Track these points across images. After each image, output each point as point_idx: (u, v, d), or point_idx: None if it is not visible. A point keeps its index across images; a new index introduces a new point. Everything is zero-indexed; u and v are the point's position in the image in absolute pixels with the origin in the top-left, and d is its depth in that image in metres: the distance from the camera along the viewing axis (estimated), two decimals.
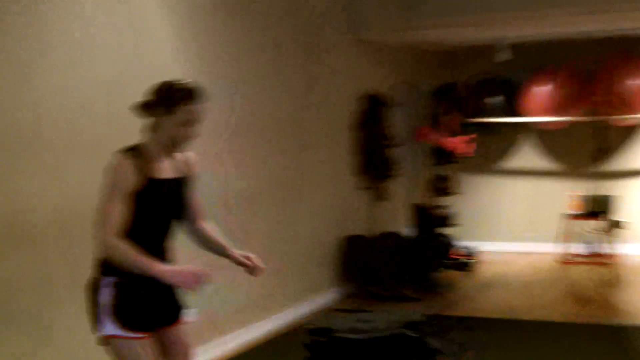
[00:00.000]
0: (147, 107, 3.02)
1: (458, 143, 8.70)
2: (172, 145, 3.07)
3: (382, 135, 7.78)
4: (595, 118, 8.68)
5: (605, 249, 8.67)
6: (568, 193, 8.69)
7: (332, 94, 7.09)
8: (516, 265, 8.63)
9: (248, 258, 3.27)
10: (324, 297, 6.90)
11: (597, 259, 8.65)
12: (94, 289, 3.05)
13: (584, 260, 8.71)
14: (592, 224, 8.73)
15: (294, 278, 6.43)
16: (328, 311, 6.46)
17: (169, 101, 2.96)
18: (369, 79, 7.79)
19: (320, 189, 6.87)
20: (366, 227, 7.69)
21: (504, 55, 8.03)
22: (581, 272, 8.14)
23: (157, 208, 3.13)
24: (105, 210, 2.97)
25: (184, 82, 3.02)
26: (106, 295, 3.02)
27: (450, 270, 8.14)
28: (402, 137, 8.27)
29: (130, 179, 2.98)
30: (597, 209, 8.51)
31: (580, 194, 8.61)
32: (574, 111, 8.65)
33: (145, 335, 3.06)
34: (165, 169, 3.10)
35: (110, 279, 3.01)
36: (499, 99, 8.98)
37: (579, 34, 8.13)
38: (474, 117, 8.96)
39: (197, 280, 2.89)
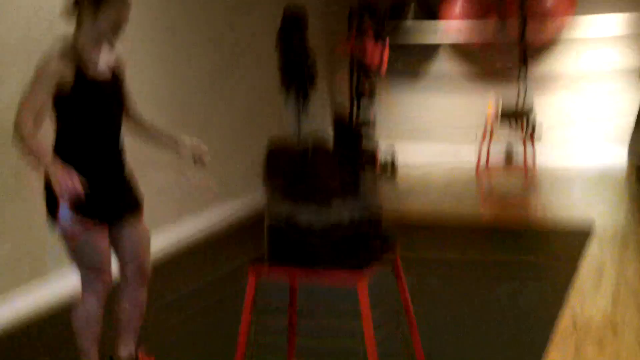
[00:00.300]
0: (76, 4, 3.06)
1: (377, 55, 8.67)
2: (100, 42, 3.11)
3: (303, 49, 7.65)
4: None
5: (522, 155, 8.91)
6: (487, 100, 8.82)
7: (257, 9, 6.92)
8: (436, 171, 8.78)
9: (198, 147, 3.47)
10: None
11: (515, 165, 8.90)
12: (47, 180, 3.01)
13: (501, 166, 8.96)
14: (510, 131, 8.94)
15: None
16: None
17: None
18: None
19: (247, 102, 6.80)
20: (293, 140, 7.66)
21: None
22: (499, 178, 8.35)
23: (101, 108, 3.15)
24: (25, 97, 2.99)
25: None
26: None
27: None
28: (322, 50, 8.18)
29: (59, 72, 2.99)
30: (515, 116, 8.68)
31: (499, 101, 8.74)
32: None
33: (96, 224, 3.11)
34: (99, 68, 3.13)
35: None
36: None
37: None
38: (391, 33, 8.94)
39: (69, 188, 2.85)
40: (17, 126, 2.93)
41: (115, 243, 3.26)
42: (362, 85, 9.18)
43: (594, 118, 8.98)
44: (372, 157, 8.68)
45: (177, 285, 4.91)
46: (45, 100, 2.97)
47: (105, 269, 3.18)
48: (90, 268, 3.14)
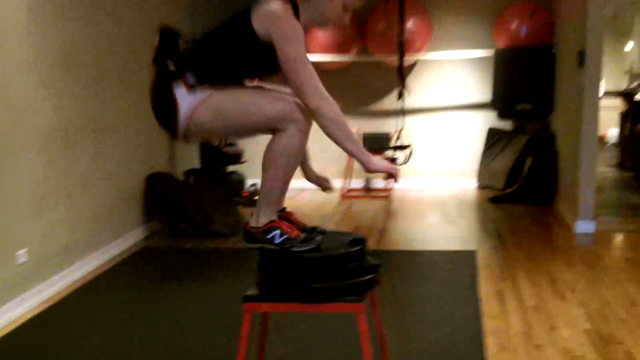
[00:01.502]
0: None
1: None
2: (319, 24, 2.91)
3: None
4: (371, 58, 9.20)
5: (382, 183, 9.34)
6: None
7: (134, 28, 6.81)
8: (304, 199, 8.95)
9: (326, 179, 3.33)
10: (133, 236, 6.78)
11: (375, 193, 9.27)
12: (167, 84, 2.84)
13: (362, 194, 9.29)
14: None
15: (104, 218, 6.25)
16: (144, 248, 6.44)
17: None
18: (165, 11, 7.58)
19: (123, 126, 6.61)
20: (168, 165, 7.61)
21: None
22: (360, 205, 8.63)
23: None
24: (302, 59, 2.71)
25: None
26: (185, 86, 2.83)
27: (245, 207, 8.29)
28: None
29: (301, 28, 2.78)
30: (375, 146, 9.06)
31: (359, 131, 9.09)
32: (349, 51, 9.08)
33: None
34: None
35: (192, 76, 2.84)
36: None
37: None
38: None
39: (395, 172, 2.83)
40: (329, 101, 2.70)
41: None
42: None
43: (447, 147, 9.56)
44: (240, 183, 8.79)
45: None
46: None
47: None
48: (273, 104, 2.83)
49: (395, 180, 2.86)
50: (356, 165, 9.22)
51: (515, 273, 5.56)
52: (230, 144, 8.85)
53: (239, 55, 2.83)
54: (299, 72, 2.70)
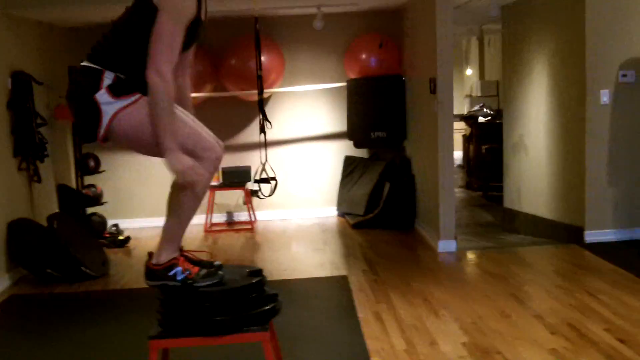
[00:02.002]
0: None
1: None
2: None
3: (32, 114, 7.41)
4: (225, 94, 9.26)
5: (245, 216, 9.38)
6: None
7: None
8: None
9: None
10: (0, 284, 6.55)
11: (238, 226, 9.30)
12: (89, 84, 2.83)
13: (226, 228, 9.30)
14: (230, 194, 9.37)
15: None
16: (11, 297, 6.21)
17: None
18: (17, 55, 7.37)
19: None
20: (28, 209, 7.36)
21: None
22: (224, 239, 8.65)
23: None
24: (169, 33, 2.77)
25: None
26: (105, 85, 2.83)
27: (108, 248, 8.12)
28: (47, 116, 7.94)
29: (193, 7, 2.85)
30: (235, 179, 9.12)
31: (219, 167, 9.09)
32: (203, 87, 9.11)
33: None
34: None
35: (111, 74, 2.83)
36: None
37: (208, 12, 8.54)
38: None
39: (190, 174, 2.84)
40: (164, 82, 2.75)
41: None
42: (87, 158, 9.06)
43: (306, 177, 9.73)
44: (101, 224, 8.63)
45: None
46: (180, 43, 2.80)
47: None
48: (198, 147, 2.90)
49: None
50: (217, 199, 9.26)
51: (389, 295, 5.74)
52: (90, 186, 8.66)
53: (149, 33, 2.85)
54: (159, 44, 2.78)
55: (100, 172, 8.92)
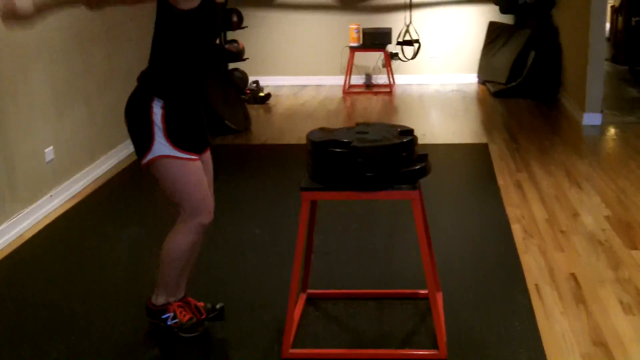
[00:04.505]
0: None
1: None
2: None
3: None
4: None
5: (383, 79, 9.37)
6: (348, 26, 9.10)
7: None
8: (307, 96, 8.99)
9: None
10: None
11: (376, 89, 9.30)
12: (143, 109, 2.92)
13: (364, 90, 9.32)
14: (370, 55, 9.34)
15: (120, 117, 6.17)
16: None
17: None
18: None
19: (132, 29, 6.53)
20: None
21: None
22: (362, 101, 8.68)
23: (211, 33, 3.05)
24: None
25: None
26: (159, 116, 2.90)
27: (249, 104, 8.32)
28: None
29: None
30: (375, 41, 9.05)
31: (358, 27, 9.06)
32: None
33: (196, 157, 3.03)
34: None
35: (160, 101, 2.90)
36: None
37: None
38: None
39: None
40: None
41: None
42: (229, 14, 9.21)
43: (449, 42, 9.55)
44: (243, 80, 8.78)
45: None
46: None
47: (210, 200, 3.12)
48: (199, 200, 3.03)
49: None
50: (357, 61, 9.24)
51: (530, 164, 5.69)
52: (232, 42, 8.79)
53: (180, 36, 2.88)
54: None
55: (243, 28, 9.02)
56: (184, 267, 3.14)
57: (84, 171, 5.53)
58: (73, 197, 5.25)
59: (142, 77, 3.01)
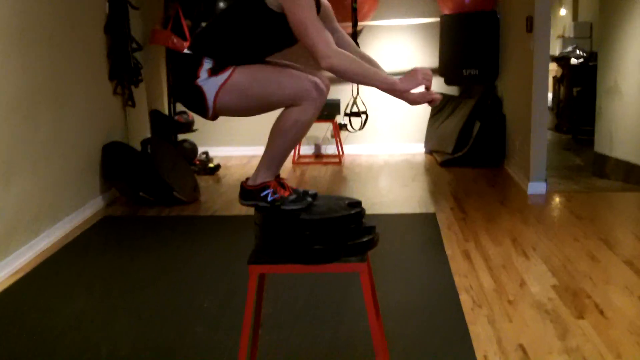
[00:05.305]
0: None
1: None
2: None
3: (128, 38, 7.54)
4: None
5: (332, 149, 9.45)
6: None
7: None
8: (255, 167, 8.96)
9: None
10: (93, 205, 6.77)
11: (325, 159, 9.37)
12: (192, 68, 2.86)
13: (314, 160, 9.38)
14: (319, 126, 9.42)
15: (66, 187, 6.24)
16: (104, 218, 6.44)
17: None
18: None
19: (80, 94, 6.55)
20: (122, 133, 7.56)
21: None
22: (312, 171, 8.73)
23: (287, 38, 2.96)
24: (308, 20, 2.73)
25: None
26: (205, 72, 2.86)
27: (198, 175, 8.30)
28: (141, 41, 8.07)
29: None
30: (324, 112, 9.14)
31: None
32: None
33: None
34: None
35: (210, 61, 2.86)
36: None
37: None
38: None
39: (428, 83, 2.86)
40: (339, 56, 2.74)
41: None
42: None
43: (395, 112, 9.69)
44: (192, 151, 8.80)
45: None
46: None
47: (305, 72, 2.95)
48: (293, 81, 2.88)
49: (432, 103, 2.90)
50: None
51: (477, 233, 5.75)
52: (182, 113, 8.83)
53: (255, 31, 2.86)
54: (309, 34, 2.74)
55: None
56: (293, 146, 3.04)
57: (27, 245, 5.44)
58: (15, 272, 5.15)
59: (197, 38, 2.94)
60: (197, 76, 2.88)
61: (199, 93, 2.87)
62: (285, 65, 3.02)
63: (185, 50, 2.93)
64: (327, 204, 3.15)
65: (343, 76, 2.80)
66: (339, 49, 2.79)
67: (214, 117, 3.01)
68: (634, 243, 5.45)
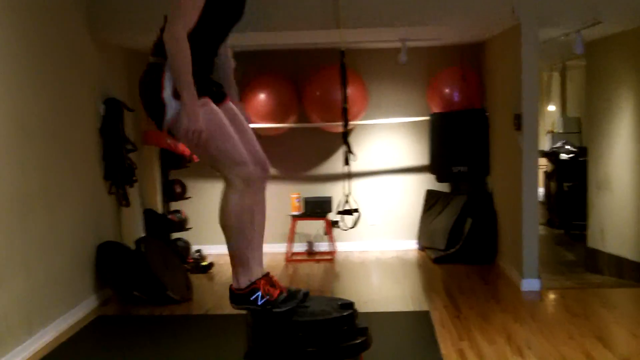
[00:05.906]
0: None
1: (184, 147, 8.82)
2: None
3: (123, 140, 7.63)
4: (308, 125, 9.37)
5: (325, 246, 9.45)
6: (289, 195, 9.25)
7: (78, 97, 6.84)
8: None
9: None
10: (87, 304, 6.74)
11: (318, 256, 9.36)
12: (155, 81, 2.98)
13: (306, 258, 9.37)
14: (312, 223, 9.45)
15: (60, 287, 6.21)
16: (98, 317, 6.40)
17: None
18: (109, 82, 7.63)
19: (74, 195, 6.60)
20: (116, 232, 7.58)
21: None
22: (305, 269, 8.71)
23: (224, 15, 3.08)
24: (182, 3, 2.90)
25: None
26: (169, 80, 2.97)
27: (191, 274, 8.28)
28: (135, 142, 8.16)
29: None
30: (317, 210, 9.20)
31: (299, 196, 9.22)
32: (288, 118, 9.24)
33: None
34: None
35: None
36: None
37: (293, 44, 8.73)
38: None
39: (197, 136, 2.92)
40: (175, 41, 2.86)
41: None
42: (173, 184, 9.33)
43: (387, 209, 9.74)
44: (185, 250, 8.81)
45: None
46: (198, 5, 2.91)
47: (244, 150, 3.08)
48: (230, 150, 3.02)
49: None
50: (298, 229, 9.34)
51: (471, 331, 5.71)
52: (175, 212, 8.87)
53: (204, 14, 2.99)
54: (175, 10, 2.93)
55: (187, 199, 9.13)
56: (249, 237, 2.99)
57: (21, 345, 5.39)
58: None
59: (156, 47, 3.06)
60: (162, 86, 2.94)
61: (162, 108, 2.94)
62: (243, 129, 3.11)
63: (150, 59, 3.02)
64: (320, 305, 3.16)
65: (170, 60, 2.92)
66: (186, 40, 2.90)
67: (167, 132, 3.07)
68: (630, 340, 5.42)
